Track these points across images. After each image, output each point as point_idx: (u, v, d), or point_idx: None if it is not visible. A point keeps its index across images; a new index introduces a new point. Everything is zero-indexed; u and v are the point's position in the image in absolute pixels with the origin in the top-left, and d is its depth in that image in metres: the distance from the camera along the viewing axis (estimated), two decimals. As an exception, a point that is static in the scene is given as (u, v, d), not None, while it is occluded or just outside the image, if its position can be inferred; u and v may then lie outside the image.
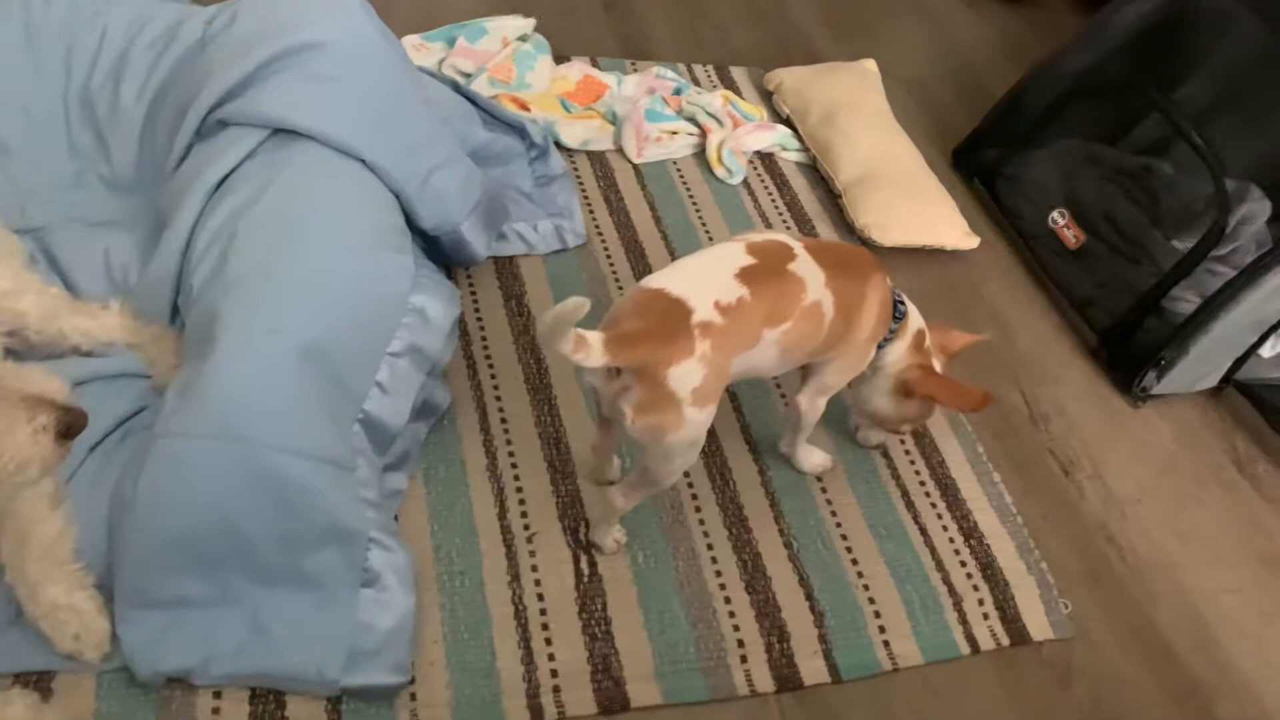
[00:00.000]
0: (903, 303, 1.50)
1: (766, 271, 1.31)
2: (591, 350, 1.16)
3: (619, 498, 1.38)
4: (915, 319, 1.53)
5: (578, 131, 2.11)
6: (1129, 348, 2.01)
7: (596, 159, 2.13)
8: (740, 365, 1.31)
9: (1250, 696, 1.55)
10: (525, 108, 2.10)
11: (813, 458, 1.66)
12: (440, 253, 1.67)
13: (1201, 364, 1.98)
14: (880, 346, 1.50)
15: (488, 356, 1.69)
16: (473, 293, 1.78)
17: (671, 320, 1.22)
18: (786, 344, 1.34)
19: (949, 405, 1.56)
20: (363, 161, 1.50)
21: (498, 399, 1.63)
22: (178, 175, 1.52)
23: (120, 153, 1.63)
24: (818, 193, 2.21)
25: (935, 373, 1.53)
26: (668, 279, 1.27)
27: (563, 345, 1.15)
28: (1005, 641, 1.51)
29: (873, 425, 1.68)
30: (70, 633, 1.15)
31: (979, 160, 2.38)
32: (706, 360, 1.22)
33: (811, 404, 1.54)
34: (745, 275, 1.28)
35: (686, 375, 1.21)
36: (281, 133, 1.47)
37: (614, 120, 2.17)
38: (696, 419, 1.25)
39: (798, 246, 1.37)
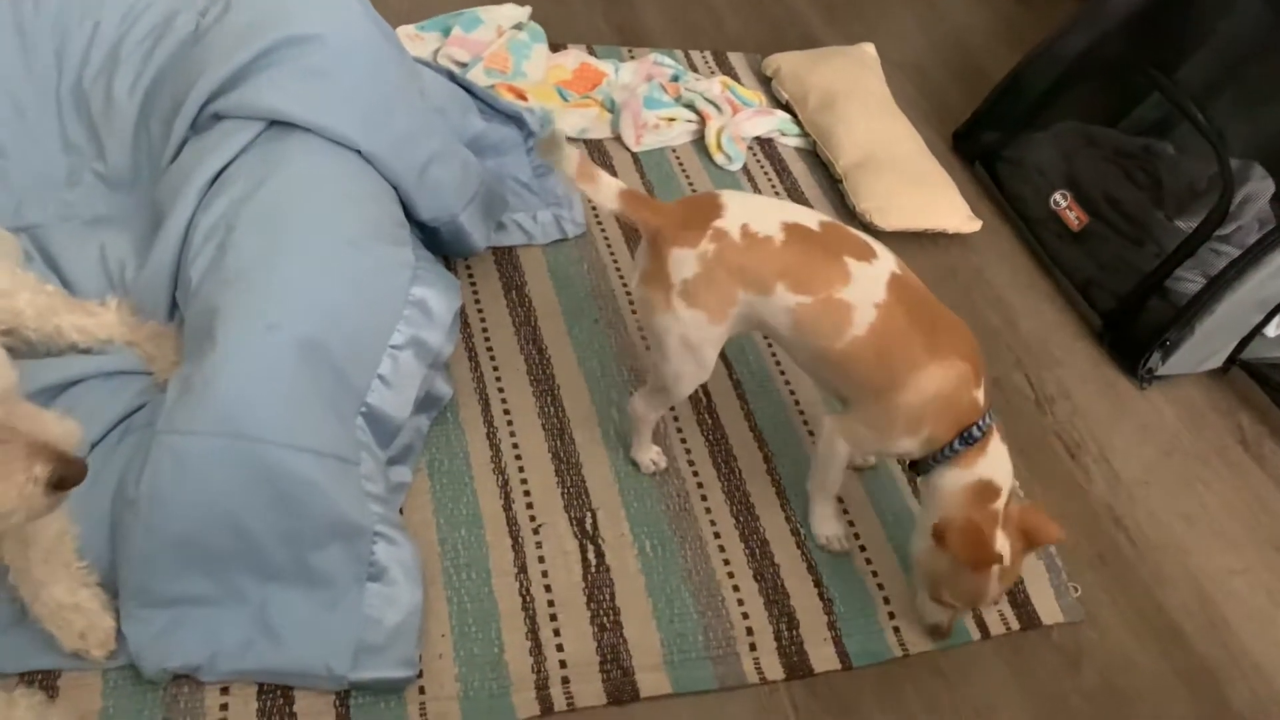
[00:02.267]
0: (982, 434, 1.29)
1: (817, 244, 1.30)
2: (600, 188, 1.31)
3: (639, 403, 1.48)
4: (995, 468, 1.29)
5: (575, 120, 2.10)
6: (1133, 329, 2.00)
7: (595, 147, 2.11)
8: (749, 308, 1.32)
9: (1261, 678, 1.55)
10: (522, 97, 2.08)
11: (824, 525, 1.51)
12: (439, 244, 1.66)
13: (1206, 344, 1.97)
14: (935, 462, 1.32)
15: (489, 348, 1.67)
16: (473, 284, 1.77)
17: (697, 213, 1.30)
18: (797, 320, 1.31)
19: (963, 561, 1.26)
20: (359, 153, 1.49)
21: (500, 390, 1.62)
22: (172, 170, 1.50)
23: (114, 148, 1.61)
24: (817, 177, 2.20)
25: (973, 529, 1.26)
26: (731, 193, 1.34)
27: (562, 162, 1.27)
28: (1015, 626, 1.50)
29: (923, 586, 1.40)
30: (75, 631, 1.14)
31: (979, 143, 2.37)
32: (706, 262, 1.28)
33: (830, 437, 1.41)
34: (793, 231, 1.29)
35: (682, 263, 1.29)
36: (277, 125, 1.46)
37: (612, 108, 2.16)
38: (682, 314, 1.31)
39: (883, 264, 1.29)
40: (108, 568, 1.21)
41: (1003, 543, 1.27)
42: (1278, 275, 1.89)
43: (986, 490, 1.29)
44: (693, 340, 1.34)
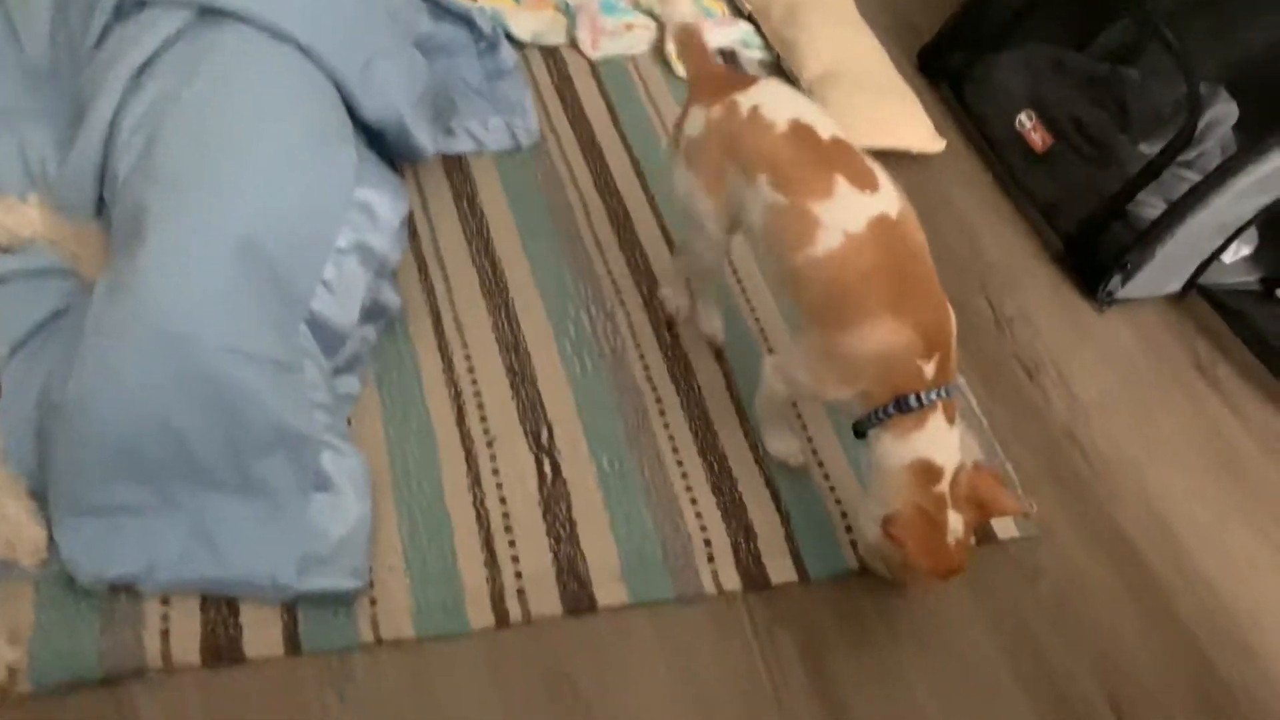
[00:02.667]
0: (921, 406, 1.22)
1: (816, 151, 1.25)
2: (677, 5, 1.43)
3: (675, 257, 1.61)
4: (935, 447, 1.23)
5: (529, 23, 2.01)
6: (1094, 252, 1.98)
7: (550, 53, 2.03)
8: (735, 192, 1.31)
9: (1208, 591, 1.57)
10: (473, -2, 1.98)
11: (776, 443, 1.49)
12: (385, 147, 1.58)
13: (1166, 268, 1.97)
14: (870, 424, 1.26)
15: (439, 259, 1.61)
16: (421, 193, 1.69)
17: (728, 83, 1.35)
18: (767, 223, 1.27)
19: (913, 561, 1.21)
20: (298, 46, 1.40)
21: (452, 304, 1.56)
22: (96, 59, 1.41)
23: (31, 37, 1.51)
24: (781, 93, 2.14)
25: (921, 522, 1.21)
26: (772, 81, 1.38)
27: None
28: (972, 541, 1.49)
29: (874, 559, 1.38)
30: (2, 540, 1.08)
31: (946, 63, 2.32)
32: (709, 126, 1.33)
33: (768, 377, 1.38)
34: (798, 130, 1.26)
35: (694, 121, 1.36)
36: (208, 13, 1.37)
37: (567, 12, 2.06)
38: (682, 174, 1.38)
39: (878, 201, 1.23)
40: (36, 474, 1.14)
41: (955, 521, 1.23)
42: (1240, 200, 1.88)
43: (927, 471, 1.22)
44: (691, 205, 1.39)
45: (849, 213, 1.22)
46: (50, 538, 1.11)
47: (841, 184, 1.23)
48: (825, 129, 1.28)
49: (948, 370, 1.25)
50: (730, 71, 1.38)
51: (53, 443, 1.12)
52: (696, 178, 1.35)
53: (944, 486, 1.23)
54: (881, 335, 1.21)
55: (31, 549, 1.10)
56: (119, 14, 1.42)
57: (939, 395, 1.23)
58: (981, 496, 1.25)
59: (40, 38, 1.51)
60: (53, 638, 1.08)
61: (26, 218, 1.28)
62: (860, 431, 1.29)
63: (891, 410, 1.23)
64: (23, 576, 1.11)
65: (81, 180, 1.34)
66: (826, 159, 1.25)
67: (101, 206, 1.35)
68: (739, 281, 1.73)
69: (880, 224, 1.23)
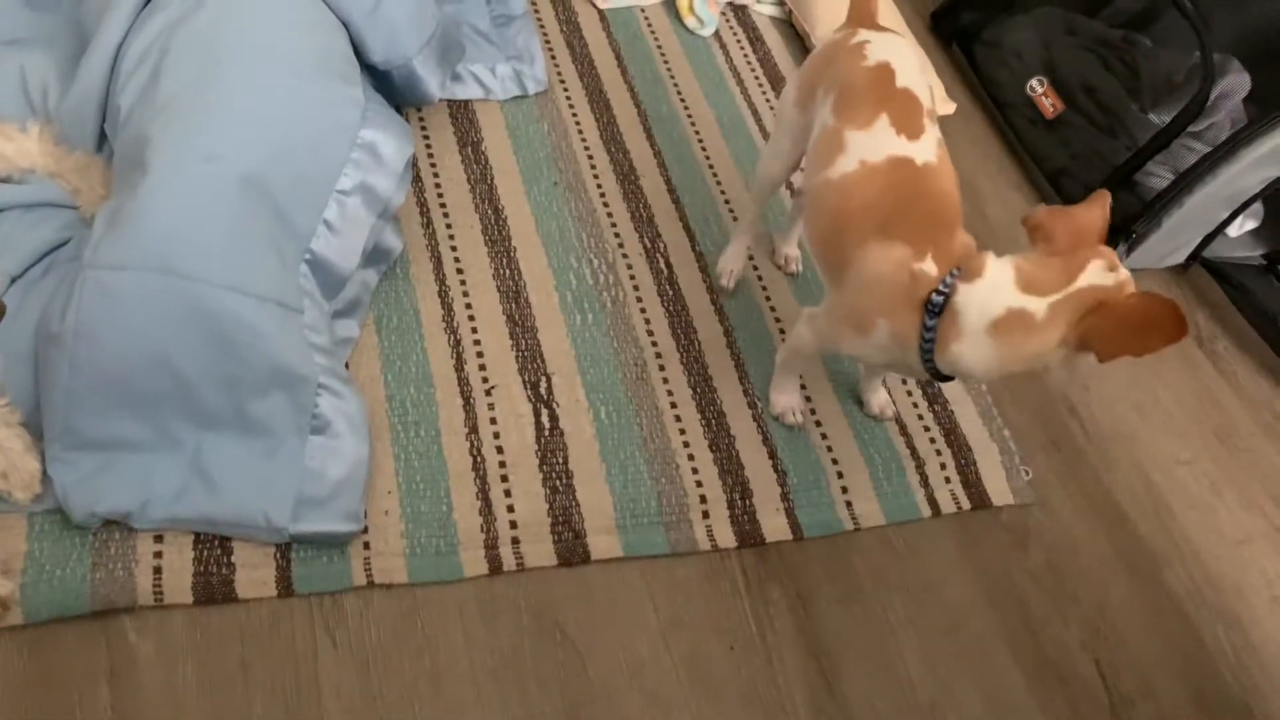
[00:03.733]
0: (944, 295, 1.11)
1: (880, 90, 1.26)
2: None
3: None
4: (998, 289, 1.09)
5: (540, -29, 1.97)
6: (1100, 221, 1.97)
7: (559, 2, 2.00)
8: (812, 115, 1.35)
9: (1197, 562, 1.57)
10: (484, -58, 1.94)
11: (782, 396, 1.48)
12: (392, 90, 1.56)
13: (1171, 239, 1.96)
14: (930, 355, 1.15)
15: (442, 204, 1.59)
16: (425, 137, 1.67)
17: (864, 16, 1.39)
18: (815, 139, 1.31)
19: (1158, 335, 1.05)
20: (308, -19, 1.37)
21: (454, 249, 1.54)
22: (101, -11, 1.38)
23: (35, -38, 1.48)
24: (792, 49, 2.11)
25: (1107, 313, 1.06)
26: (894, 34, 1.37)
27: None
28: (966, 505, 1.50)
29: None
30: (-4, 472, 1.08)
31: (957, 24, 2.29)
32: (824, 48, 1.39)
33: (799, 326, 1.35)
34: (880, 70, 1.28)
35: (821, 44, 1.43)
36: (218, -54, 1.34)
37: (579, -39, 2.03)
38: (790, 81, 1.46)
39: (915, 147, 1.20)
40: (31, 408, 1.14)
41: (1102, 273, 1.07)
42: (1248, 171, 1.86)
43: (1024, 314, 1.07)
44: (781, 114, 1.46)
45: (875, 146, 1.22)
46: (44, 471, 1.11)
47: (882, 124, 1.23)
48: (904, 77, 1.27)
49: (950, 252, 1.14)
50: (879, 24, 1.39)
51: (50, 374, 1.12)
52: (795, 90, 1.41)
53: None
54: (874, 261, 1.17)
55: (25, 482, 1.09)
56: (126, -57, 1.39)
57: (954, 276, 1.12)
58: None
59: (44, -37, 1.48)
60: (45, 571, 1.09)
61: (26, 148, 1.27)
62: (939, 376, 1.19)
63: (930, 323, 1.12)
64: (16, 509, 1.11)
65: (84, 111, 1.32)
66: (883, 99, 1.25)
67: (103, 139, 1.34)
68: (751, 258, 1.71)
69: (900, 164, 1.21)
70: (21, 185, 1.27)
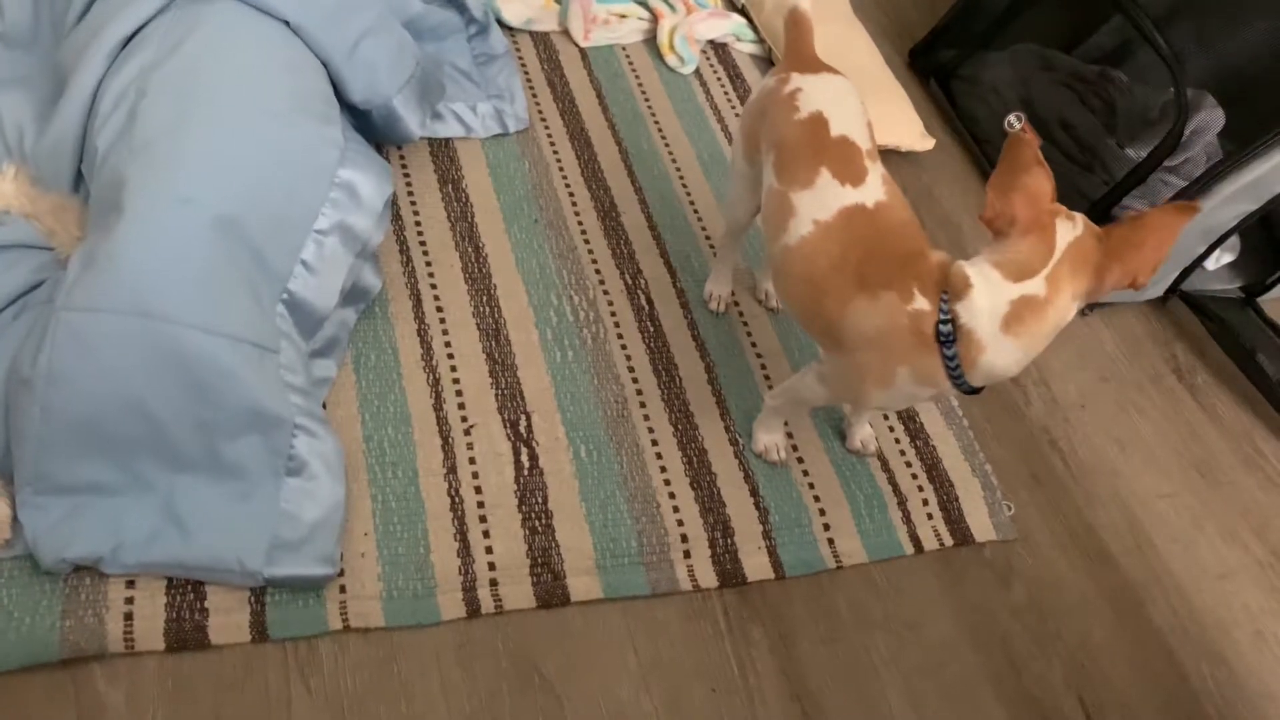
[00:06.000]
0: (950, 312, 1.11)
1: (817, 142, 1.24)
2: None
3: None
4: (996, 288, 1.08)
5: (520, 9, 1.99)
6: (1078, 255, 1.98)
7: (540, 40, 2.01)
8: (760, 165, 1.34)
9: (1181, 597, 1.57)
10: (465, -18, 1.96)
11: (765, 432, 1.48)
12: (371, 129, 1.56)
13: (1149, 273, 1.97)
14: (959, 377, 1.13)
15: (422, 242, 1.59)
16: (406, 175, 1.67)
17: (802, 64, 1.36)
18: (764, 202, 1.30)
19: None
20: (287, 23, 1.38)
21: (433, 287, 1.54)
22: (79, 30, 1.39)
23: (13, 4, 1.48)
24: (771, 87, 2.13)
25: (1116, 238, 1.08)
26: (838, 76, 1.36)
27: None
28: (949, 542, 1.50)
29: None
30: (-36, 518, 1.06)
31: (936, 61, 2.31)
32: (761, 96, 1.37)
33: (807, 371, 1.34)
34: (814, 121, 1.26)
35: (759, 88, 1.40)
36: (197, -14, 1.34)
37: None
38: (736, 129, 1.47)
39: (859, 193, 1.20)
40: (2, 451, 1.12)
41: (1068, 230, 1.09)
42: (1224, 206, 1.88)
43: (1031, 300, 1.07)
44: (732, 161, 1.46)
45: (821, 202, 1.21)
46: (14, 516, 1.09)
47: (824, 176, 1.22)
48: (841, 125, 1.25)
49: (931, 278, 1.13)
50: (818, 59, 1.38)
51: (21, 418, 1.11)
52: (741, 139, 1.41)
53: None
54: (864, 314, 1.16)
55: (-5, 527, 1.08)
56: (104, -17, 1.39)
57: (944, 301, 1.11)
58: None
59: (22, 4, 1.48)
60: (14, 618, 1.07)
61: (1, 189, 1.26)
62: (969, 389, 1.16)
63: (949, 352, 1.11)
64: (-14, 554, 1.09)
65: (60, 152, 1.32)
66: (821, 151, 1.23)
67: (80, 180, 1.33)
68: (736, 300, 1.71)
69: (852, 213, 1.20)
70: (-4, 226, 1.26)
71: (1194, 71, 2.05)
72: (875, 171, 1.24)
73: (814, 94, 1.29)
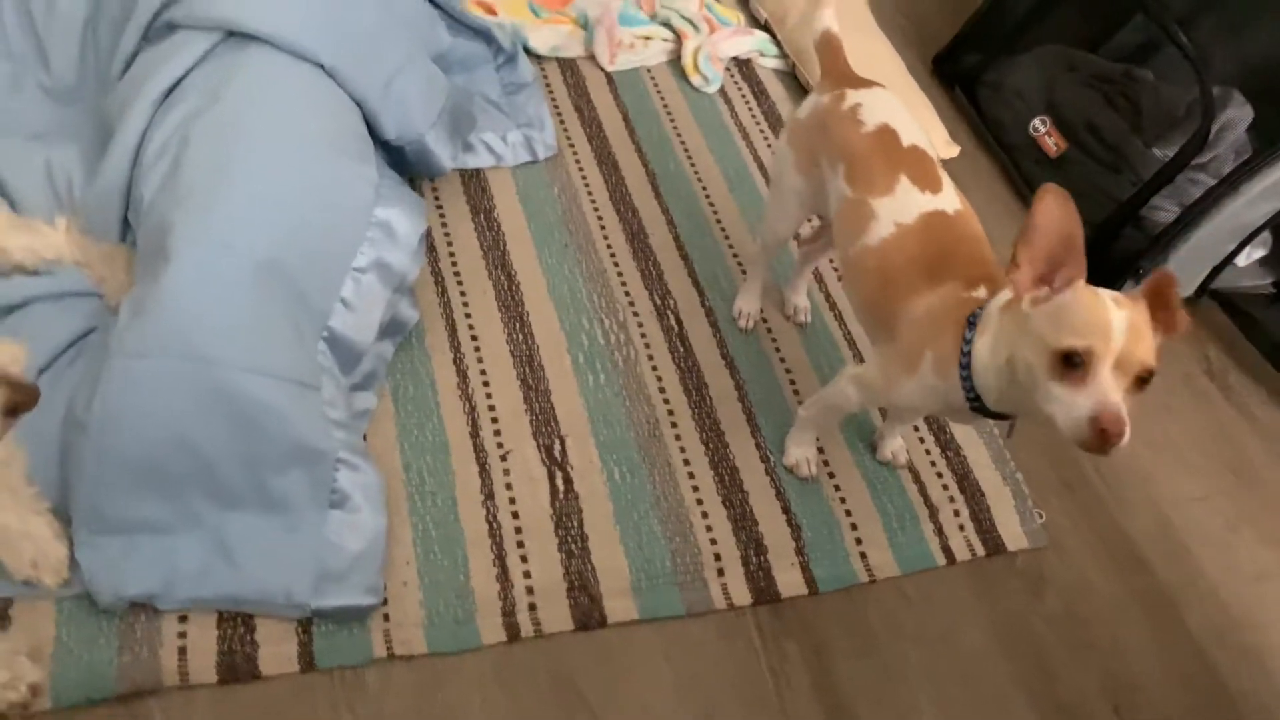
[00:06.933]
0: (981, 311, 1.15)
1: (891, 153, 1.29)
2: (822, 17, 1.48)
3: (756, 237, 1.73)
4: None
5: (547, 37, 2.03)
6: (1108, 257, 1.98)
7: (567, 66, 2.05)
8: (821, 177, 1.39)
9: (1217, 602, 1.57)
10: (492, 11, 2.00)
11: (797, 447, 1.51)
12: (404, 164, 1.61)
13: (1180, 272, 1.95)
14: (969, 379, 1.15)
15: (456, 272, 1.64)
16: (439, 206, 1.72)
17: (847, 80, 1.41)
18: (838, 213, 1.33)
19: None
20: (321, 67, 1.43)
21: (467, 316, 1.58)
22: (123, 82, 1.44)
23: (59, 58, 1.54)
24: (796, 100, 2.14)
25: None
26: (885, 90, 1.40)
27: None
28: (981, 552, 1.51)
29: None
30: (27, 559, 1.12)
31: (960, 67, 2.32)
32: (814, 111, 1.42)
33: (841, 379, 1.37)
34: (883, 132, 1.31)
35: (807, 104, 1.45)
36: (234, 36, 1.40)
37: (585, 25, 2.08)
38: (781, 145, 1.50)
39: (937, 200, 1.25)
40: (59, 493, 1.18)
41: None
42: (1254, 204, 1.88)
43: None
44: (780, 178, 1.49)
45: (903, 207, 1.26)
46: (72, 556, 1.14)
47: (904, 184, 1.27)
48: (909, 136, 1.32)
49: (995, 280, 1.17)
50: (856, 74, 1.43)
51: (77, 461, 1.16)
52: (793, 153, 1.44)
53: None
54: (927, 301, 1.20)
55: (54, 568, 1.13)
56: (148, 36, 1.45)
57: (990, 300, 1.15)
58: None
59: (69, 59, 1.54)
60: (74, 655, 1.12)
61: (53, 240, 1.31)
62: (982, 408, 1.16)
63: (969, 335, 1.13)
64: (46, 595, 1.14)
65: (107, 202, 1.37)
66: (896, 161, 1.29)
67: (127, 228, 1.39)
68: (764, 317, 1.74)
69: (933, 218, 1.25)
70: (49, 276, 1.31)
71: (1220, 67, 2.04)
72: (948, 181, 1.30)
73: (873, 107, 1.35)
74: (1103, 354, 0.98)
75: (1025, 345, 1.04)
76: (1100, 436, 0.97)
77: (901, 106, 1.37)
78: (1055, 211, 1.03)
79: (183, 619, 1.17)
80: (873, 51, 2.19)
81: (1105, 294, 1.02)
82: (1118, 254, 1.96)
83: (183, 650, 1.15)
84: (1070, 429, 0.99)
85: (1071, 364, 0.99)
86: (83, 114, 1.50)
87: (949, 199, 1.27)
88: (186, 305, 1.18)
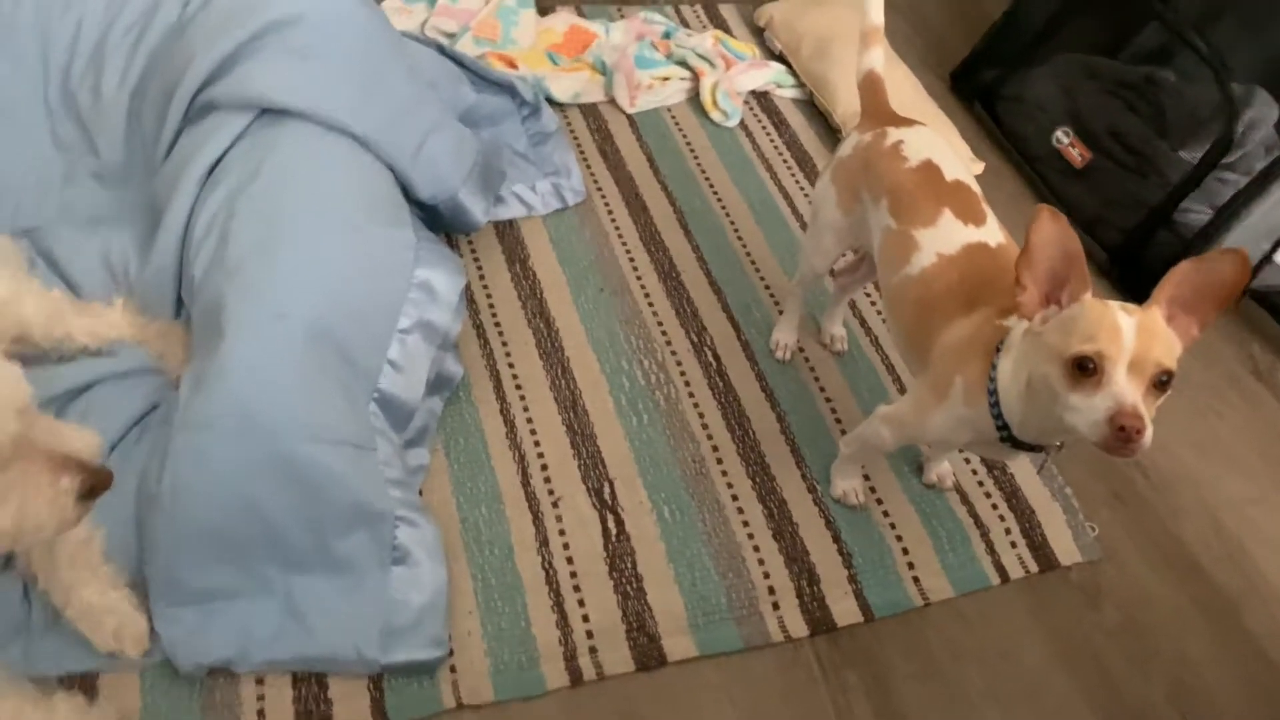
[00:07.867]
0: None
1: (935, 186, 1.31)
2: (867, 58, 1.51)
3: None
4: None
5: (568, 85, 2.08)
6: (1141, 263, 1.99)
7: (589, 111, 2.09)
8: (864, 213, 1.41)
9: (1278, 603, 1.56)
10: (513, 65, 2.06)
11: (843, 479, 1.53)
12: (440, 222, 1.66)
13: (1216, 275, 1.96)
14: (996, 403, 1.17)
15: (497, 324, 1.68)
16: (476, 260, 1.76)
17: (888, 119, 1.44)
18: (881, 244, 1.36)
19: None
20: (354, 137, 1.48)
21: (511, 366, 1.62)
22: (169, 163, 1.50)
23: (107, 144, 1.61)
24: (816, 128, 2.17)
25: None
26: (927, 128, 1.43)
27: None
28: (1034, 568, 1.51)
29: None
30: (109, 632, 1.16)
31: (978, 83, 2.34)
32: (856, 149, 1.45)
33: (874, 419, 1.38)
34: (926, 168, 1.34)
35: (848, 143, 1.48)
36: (270, 113, 1.45)
37: (604, 70, 2.13)
38: (823, 183, 1.51)
39: (980, 233, 1.27)
40: (136, 567, 1.22)
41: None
42: (1282, 204, 1.87)
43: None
44: (820, 213, 1.51)
45: (946, 238, 1.28)
46: (151, 627, 1.19)
47: (947, 216, 1.29)
48: (951, 171, 1.34)
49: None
50: (897, 114, 1.46)
51: (151, 534, 1.20)
52: (835, 191, 1.47)
53: None
54: (959, 325, 1.23)
55: (135, 639, 1.17)
56: (189, 117, 1.51)
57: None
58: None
59: (116, 144, 1.61)
60: (159, 722, 1.16)
61: (112, 321, 1.37)
62: (1008, 431, 1.17)
63: (997, 360, 1.15)
64: (130, 666, 1.18)
65: (162, 280, 1.43)
66: (940, 195, 1.31)
67: (180, 304, 1.44)
68: (801, 346, 1.76)
69: (975, 250, 1.27)
70: (111, 356, 1.37)
71: (1242, 65, 2.04)
72: (991, 215, 1.32)
73: (915, 144, 1.38)
74: (1114, 356, 1.00)
75: (1041, 361, 1.07)
76: (1120, 435, 0.98)
77: (944, 143, 1.40)
78: (1051, 230, 1.05)
79: (259, 681, 1.21)
80: (890, 76, 2.20)
81: (1113, 304, 1.04)
82: (1152, 259, 1.97)
83: (260, 713, 1.18)
84: (1091, 432, 1.01)
85: (1085, 370, 1.01)
86: (133, 195, 1.56)
87: (992, 232, 1.29)
88: (242, 376, 1.22)
